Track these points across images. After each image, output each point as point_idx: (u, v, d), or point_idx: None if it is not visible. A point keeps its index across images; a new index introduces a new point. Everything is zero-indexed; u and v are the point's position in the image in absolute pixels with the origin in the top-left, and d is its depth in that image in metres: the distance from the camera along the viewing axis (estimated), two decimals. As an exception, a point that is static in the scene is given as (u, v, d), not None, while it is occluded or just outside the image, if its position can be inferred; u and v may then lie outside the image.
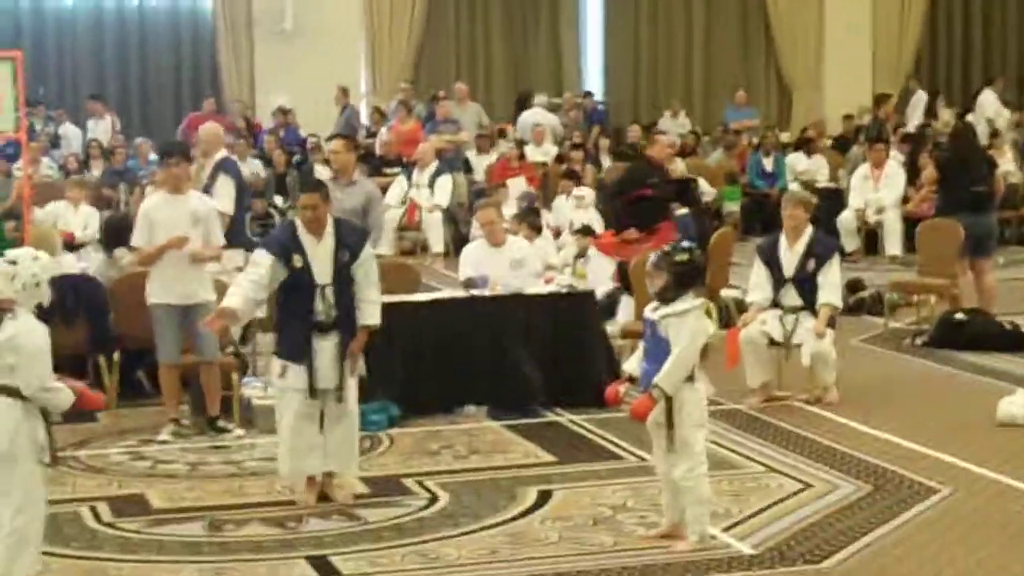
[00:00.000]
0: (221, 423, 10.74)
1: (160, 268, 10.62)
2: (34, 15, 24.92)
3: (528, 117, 24.01)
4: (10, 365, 7.04)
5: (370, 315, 9.15)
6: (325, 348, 8.89)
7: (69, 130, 23.02)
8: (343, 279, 9.01)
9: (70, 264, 12.28)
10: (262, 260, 8.97)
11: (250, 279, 8.95)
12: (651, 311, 7.95)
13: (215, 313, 9.21)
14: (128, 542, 8.26)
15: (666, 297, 7.87)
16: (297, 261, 8.96)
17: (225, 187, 12.41)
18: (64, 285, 11.50)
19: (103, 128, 22.82)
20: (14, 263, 7.18)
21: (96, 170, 21.27)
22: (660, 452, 7.95)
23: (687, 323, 7.78)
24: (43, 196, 19.04)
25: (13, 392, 7.05)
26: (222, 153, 12.89)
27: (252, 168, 20.44)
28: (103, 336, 11.63)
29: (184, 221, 10.61)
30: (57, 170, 21.50)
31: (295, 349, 8.90)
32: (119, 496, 9.24)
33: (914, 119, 25.45)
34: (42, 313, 10.92)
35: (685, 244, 8.11)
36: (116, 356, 11.60)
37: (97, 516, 8.76)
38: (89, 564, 7.90)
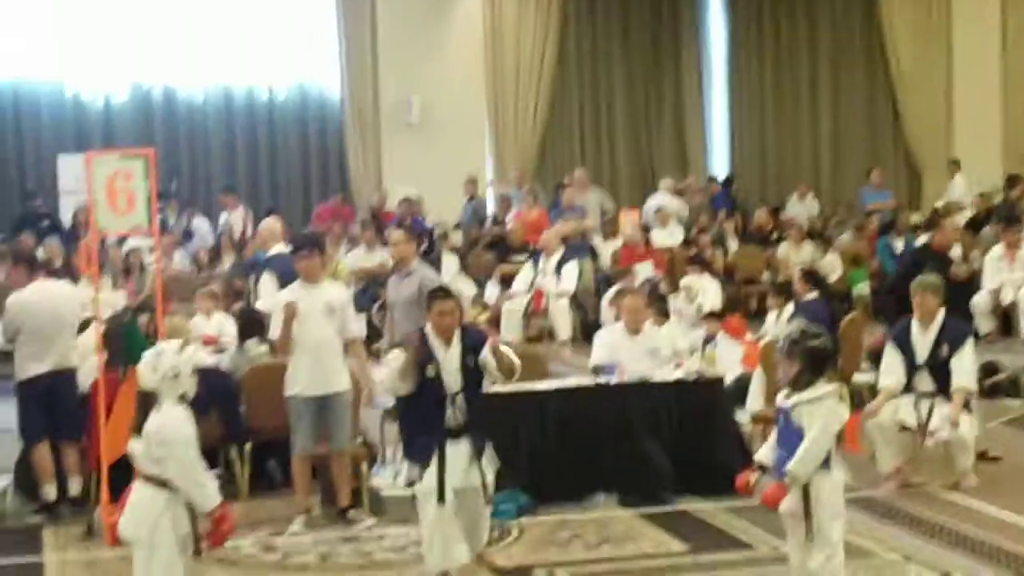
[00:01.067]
0: (352, 514, 10.76)
1: (295, 360, 10.70)
2: (166, 109, 25.39)
3: (652, 202, 23.99)
4: (158, 457, 7.17)
5: None
6: (459, 453, 8.94)
7: (201, 224, 23.38)
8: (472, 384, 9.10)
9: (202, 358, 12.40)
10: (396, 356, 9.27)
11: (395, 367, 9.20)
12: (784, 398, 7.83)
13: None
14: (260, 634, 8.29)
15: (798, 384, 7.75)
16: (430, 371, 9.05)
17: (267, 284, 12.59)
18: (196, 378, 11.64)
19: (236, 217, 23.15)
20: (159, 354, 7.34)
21: (227, 263, 21.53)
22: (795, 542, 7.82)
23: (821, 409, 7.67)
24: (176, 290, 19.34)
25: (160, 483, 7.16)
26: (277, 248, 13.08)
27: (380, 258, 20.58)
28: (235, 428, 11.72)
29: (318, 311, 10.70)
30: (189, 263, 21.82)
31: (426, 454, 8.98)
32: (251, 588, 9.28)
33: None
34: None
35: (815, 329, 7.97)
36: (247, 447, 11.69)
37: (230, 608, 8.80)
38: (222, 657, 7.93)
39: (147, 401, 7.47)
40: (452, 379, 9.07)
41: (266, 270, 12.95)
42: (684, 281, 18.23)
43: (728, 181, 26.37)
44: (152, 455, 7.22)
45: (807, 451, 7.62)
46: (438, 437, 8.97)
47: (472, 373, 9.07)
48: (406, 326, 11.25)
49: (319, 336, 10.64)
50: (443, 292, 9.56)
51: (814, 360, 7.73)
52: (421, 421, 9.07)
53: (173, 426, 7.30)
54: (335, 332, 10.71)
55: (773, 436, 8.02)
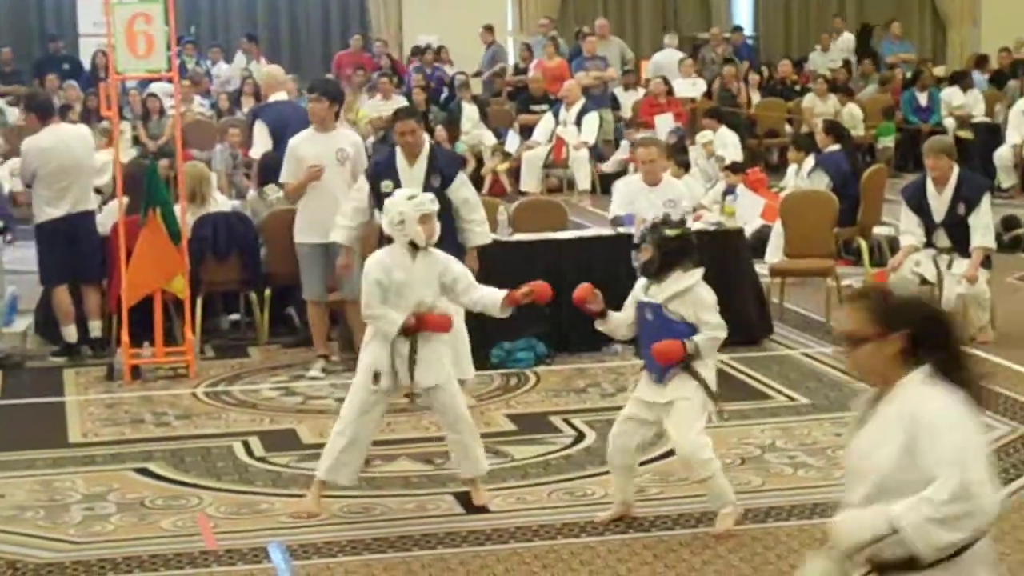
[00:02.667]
0: None
1: (304, 207, 10.71)
2: (186, -46, 25.21)
3: (660, 57, 23.67)
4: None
5: (477, 237, 9.70)
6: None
7: (221, 68, 23.28)
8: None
9: (222, 202, 12.42)
10: (362, 185, 9.89)
11: (352, 205, 9.84)
12: (643, 292, 7.48)
13: (339, 263, 9.93)
14: (279, 476, 8.38)
15: (648, 270, 7.43)
16: (387, 186, 9.39)
17: (258, 132, 12.68)
18: (215, 222, 11.67)
19: (256, 69, 23.03)
20: (391, 201, 7.73)
21: (246, 108, 21.45)
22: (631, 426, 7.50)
23: (701, 295, 7.41)
24: (195, 134, 19.32)
25: None
26: (278, 96, 13.03)
27: (398, 106, 20.48)
28: (254, 273, 11.77)
29: (330, 157, 10.67)
30: (209, 108, 21.75)
31: None
32: (270, 431, 9.38)
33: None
34: (195, 251, 11.16)
35: (676, 221, 7.75)
36: (267, 293, 11.74)
37: (249, 450, 8.89)
38: (241, 498, 8.03)
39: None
40: None
41: (257, 119, 12.92)
42: (700, 136, 18.03)
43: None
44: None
45: (710, 339, 7.32)
46: None
47: (434, 192, 8.87)
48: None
49: (329, 183, 10.60)
50: (406, 111, 10.26)
51: (666, 251, 7.38)
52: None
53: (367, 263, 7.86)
54: (345, 180, 10.65)
55: (627, 310, 7.62)
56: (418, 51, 23.68)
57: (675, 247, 7.40)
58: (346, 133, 11.20)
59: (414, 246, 7.64)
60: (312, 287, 10.77)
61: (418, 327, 7.61)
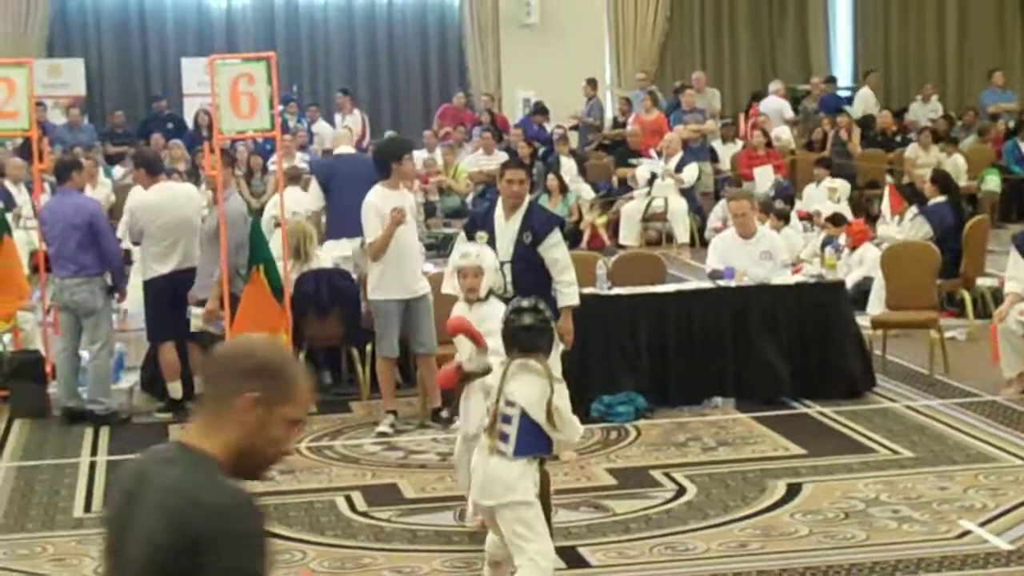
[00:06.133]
0: (445, 413, 10.82)
1: (380, 264, 10.72)
2: (287, 14, 25.60)
3: (769, 103, 23.72)
4: None
5: (564, 298, 9.66)
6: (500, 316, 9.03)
7: (322, 127, 23.54)
8: (524, 259, 9.46)
9: (324, 258, 12.55)
10: (462, 236, 9.97)
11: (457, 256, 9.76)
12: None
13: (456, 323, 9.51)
14: (381, 531, 8.43)
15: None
16: (481, 237, 9.56)
17: (312, 187, 13.09)
18: (318, 278, 11.79)
19: (353, 120, 23.29)
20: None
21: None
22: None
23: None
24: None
25: None
26: (341, 148, 13.33)
27: (498, 161, 20.59)
28: (355, 328, 11.85)
29: (408, 212, 10.77)
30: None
31: None
32: (373, 485, 9.44)
33: None
34: (298, 307, 11.28)
35: (534, 306, 6.89)
36: (368, 348, 11.82)
37: (352, 505, 8.95)
38: (344, 552, 8.08)
39: None
40: (504, 248, 9.53)
41: (313, 174, 13.37)
42: (826, 183, 18.25)
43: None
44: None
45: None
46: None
47: (524, 249, 9.50)
48: (206, 260, 11.06)
49: (404, 238, 10.68)
50: (516, 161, 10.36)
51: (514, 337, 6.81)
52: None
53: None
54: (416, 235, 10.82)
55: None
56: (533, 109, 23.69)
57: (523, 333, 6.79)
58: (405, 192, 11.20)
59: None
60: (390, 344, 10.83)
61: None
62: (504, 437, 6.62)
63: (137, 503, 3.34)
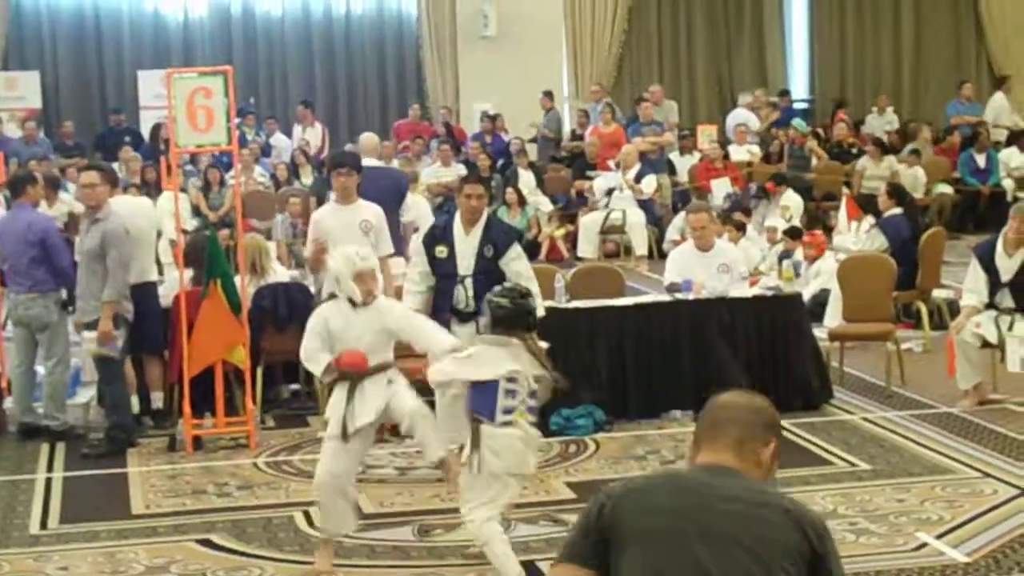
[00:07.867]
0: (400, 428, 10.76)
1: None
2: (244, 26, 25.54)
3: (733, 117, 23.85)
4: None
5: None
6: (462, 334, 9.08)
7: (280, 140, 23.50)
8: (486, 272, 9.46)
9: (281, 273, 12.52)
10: (421, 250, 9.95)
11: (418, 271, 9.90)
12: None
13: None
14: (340, 546, 8.38)
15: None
16: (441, 252, 9.68)
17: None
18: (275, 292, 11.76)
19: (312, 134, 23.25)
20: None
21: (306, 178, 21.63)
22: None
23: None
24: (255, 205, 19.50)
25: None
26: (368, 161, 13.15)
27: (456, 173, 20.62)
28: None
29: (354, 228, 10.74)
30: (268, 179, 21.95)
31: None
32: (330, 500, 9.38)
33: None
34: (255, 321, 11.24)
35: (509, 291, 7.66)
36: (327, 362, 11.77)
37: (310, 521, 8.91)
38: (302, 568, 8.05)
39: None
40: (464, 263, 9.61)
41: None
42: (783, 199, 18.23)
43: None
44: None
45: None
46: (443, 315, 9.40)
47: (486, 262, 9.56)
48: (88, 281, 10.85)
49: None
50: (475, 176, 10.49)
51: (496, 318, 7.52)
52: (439, 300, 9.71)
53: None
54: (371, 251, 10.73)
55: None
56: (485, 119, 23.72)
57: (502, 315, 7.48)
58: (368, 205, 11.17)
59: (352, 302, 7.88)
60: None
61: (338, 364, 7.84)
62: (531, 410, 7.46)
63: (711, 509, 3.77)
